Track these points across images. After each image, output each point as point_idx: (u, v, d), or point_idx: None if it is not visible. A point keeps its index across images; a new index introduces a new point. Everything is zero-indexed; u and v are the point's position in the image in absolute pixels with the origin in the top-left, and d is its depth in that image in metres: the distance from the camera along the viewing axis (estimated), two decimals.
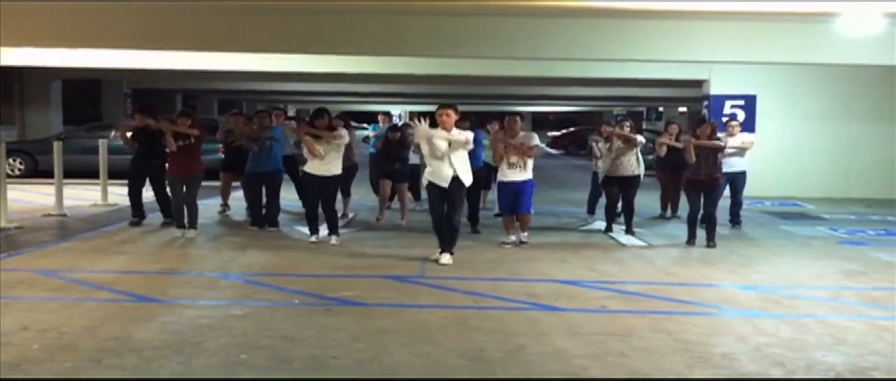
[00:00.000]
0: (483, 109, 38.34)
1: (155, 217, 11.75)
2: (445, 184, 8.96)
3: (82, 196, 14.41)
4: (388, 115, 16.95)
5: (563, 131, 42.35)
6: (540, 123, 54.30)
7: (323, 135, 10.10)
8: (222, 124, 12.89)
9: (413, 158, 12.90)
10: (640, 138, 11.78)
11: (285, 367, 5.39)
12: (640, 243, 10.89)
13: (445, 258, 9.04)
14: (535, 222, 11.16)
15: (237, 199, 13.08)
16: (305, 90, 29.00)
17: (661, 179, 13.46)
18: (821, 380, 5.38)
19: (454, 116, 9.02)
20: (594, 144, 12.73)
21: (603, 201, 12.26)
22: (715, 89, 17.56)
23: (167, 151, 10.83)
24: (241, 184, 12.66)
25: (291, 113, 29.27)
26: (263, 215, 11.48)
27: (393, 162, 12.29)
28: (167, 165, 10.99)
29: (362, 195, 14.71)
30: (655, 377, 5.37)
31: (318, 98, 33.64)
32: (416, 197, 14.09)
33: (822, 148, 17.80)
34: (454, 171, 8.91)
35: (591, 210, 13.25)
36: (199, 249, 9.91)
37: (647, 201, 13.99)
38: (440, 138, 8.89)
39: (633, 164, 11.56)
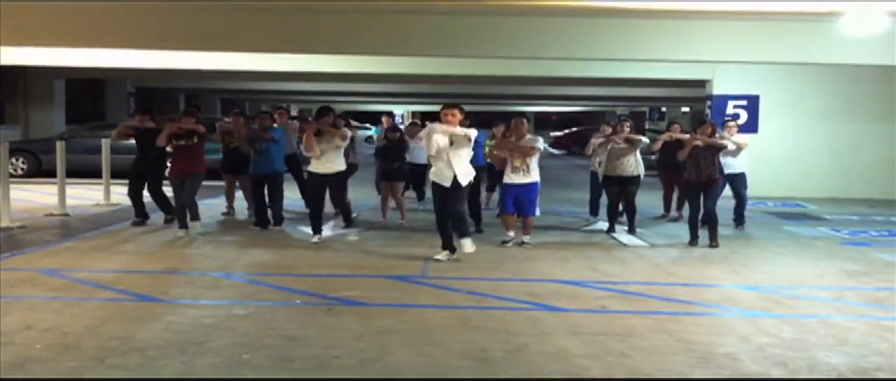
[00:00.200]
0: (485, 109, 38.37)
1: (158, 217, 11.77)
2: (447, 184, 9.04)
3: (85, 196, 14.43)
4: (390, 115, 16.97)
5: (566, 131, 42.32)
6: (542, 122, 54.30)
7: (326, 131, 10.10)
8: (219, 127, 12.88)
9: (419, 159, 12.94)
10: (644, 139, 11.77)
11: (287, 367, 5.40)
12: (642, 243, 10.89)
13: (467, 246, 9.10)
14: (538, 221, 11.16)
15: (240, 199, 13.08)
16: (308, 90, 29.03)
17: (662, 178, 13.46)
18: (823, 380, 5.39)
19: (459, 116, 9.08)
20: (593, 141, 12.74)
21: (604, 200, 12.26)
22: (718, 89, 17.55)
23: (169, 150, 10.84)
24: (241, 185, 12.70)
25: (294, 113, 29.31)
26: (265, 216, 11.49)
27: (392, 162, 12.34)
28: (169, 164, 11.00)
29: (365, 195, 14.72)
30: (657, 377, 5.37)
31: (320, 98, 33.66)
32: (421, 197, 14.11)
33: (824, 148, 17.79)
34: (454, 171, 8.97)
35: (594, 211, 13.23)
36: (201, 248, 9.92)
37: (649, 201, 13.99)
38: (440, 133, 8.93)
39: (633, 164, 11.57)
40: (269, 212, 11.47)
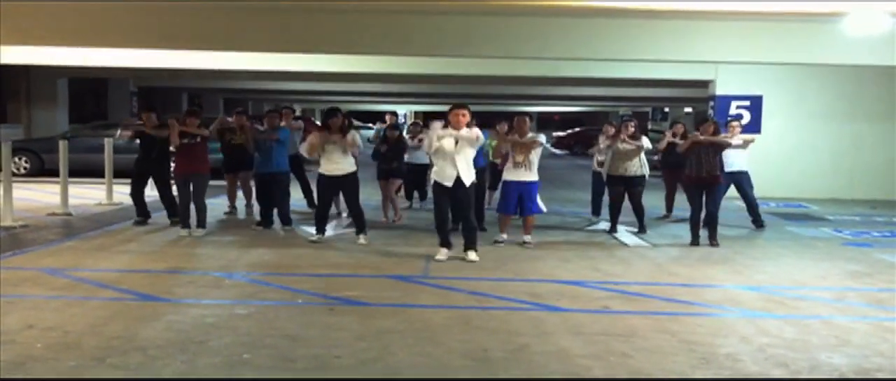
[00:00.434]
0: (488, 109, 38.37)
1: (160, 216, 11.78)
2: (449, 183, 9.06)
3: (87, 195, 14.44)
4: (394, 115, 16.98)
5: (569, 131, 42.34)
6: (545, 122, 54.30)
7: (334, 139, 10.07)
8: (216, 123, 12.82)
9: (421, 158, 12.96)
10: (647, 144, 11.70)
11: (289, 366, 5.40)
12: (644, 243, 10.89)
13: (472, 255, 9.18)
14: (539, 221, 11.16)
15: (240, 198, 13.09)
16: (311, 89, 29.05)
17: (665, 179, 13.46)
18: (824, 380, 5.40)
19: (467, 117, 9.13)
20: (601, 138, 12.75)
21: (606, 200, 12.26)
22: (721, 90, 17.53)
23: (172, 149, 10.85)
24: (241, 184, 12.70)
25: (297, 112, 29.31)
26: (270, 216, 11.49)
27: (391, 161, 12.36)
28: (173, 164, 11.02)
29: (368, 195, 14.69)
30: (658, 377, 5.37)
31: (323, 97, 33.71)
32: (423, 197, 14.12)
33: (826, 148, 17.78)
34: (457, 171, 8.98)
35: (596, 211, 13.23)
36: (203, 248, 9.93)
37: (651, 201, 13.97)
38: (448, 137, 8.98)
39: (638, 164, 11.56)
40: (275, 212, 11.48)
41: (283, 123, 12.30)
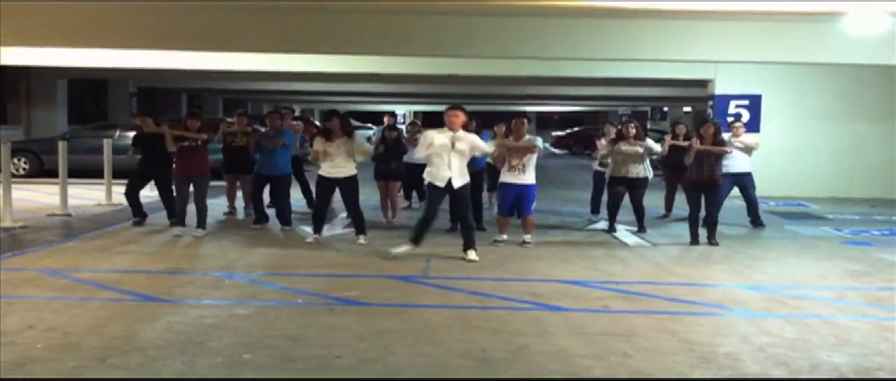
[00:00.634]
0: (487, 109, 38.36)
1: (159, 217, 11.77)
2: (442, 184, 9.12)
3: (87, 196, 14.43)
4: (393, 115, 16.97)
5: (568, 131, 42.37)
6: (544, 122, 54.28)
7: (342, 142, 10.08)
8: (221, 129, 12.83)
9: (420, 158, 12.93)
10: (657, 148, 11.68)
11: (289, 367, 5.40)
12: (644, 242, 10.89)
13: (472, 255, 9.24)
14: (539, 221, 11.16)
15: (240, 199, 13.08)
16: (310, 90, 29.05)
17: (666, 178, 13.45)
18: (825, 380, 5.38)
19: (463, 118, 9.15)
20: (604, 139, 12.74)
21: (606, 198, 12.25)
22: (720, 89, 17.53)
23: (172, 151, 10.84)
24: (241, 185, 12.69)
25: (296, 113, 29.31)
26: (266, 215, 11.50)
27: (389, 161, 12.36)
28: (174, 165, 11.02)
29: (367, 196, 14.68)
30: (658, 377, 5.37)
31: (323, 98, 33.70)
32: (421, 197, 14.10)
33: (826, 147, 17.78)
34: (451, 172, 9.03)
35: (595, 210, 13.24)
36: (203, 248, 9.93)
37: (652, 201, 13.95)
38: (444, 140, 9.01)
39: (641, 166, 11.54)
40: (274, 212, 11.47)
41: (282, 125, 12.30)
